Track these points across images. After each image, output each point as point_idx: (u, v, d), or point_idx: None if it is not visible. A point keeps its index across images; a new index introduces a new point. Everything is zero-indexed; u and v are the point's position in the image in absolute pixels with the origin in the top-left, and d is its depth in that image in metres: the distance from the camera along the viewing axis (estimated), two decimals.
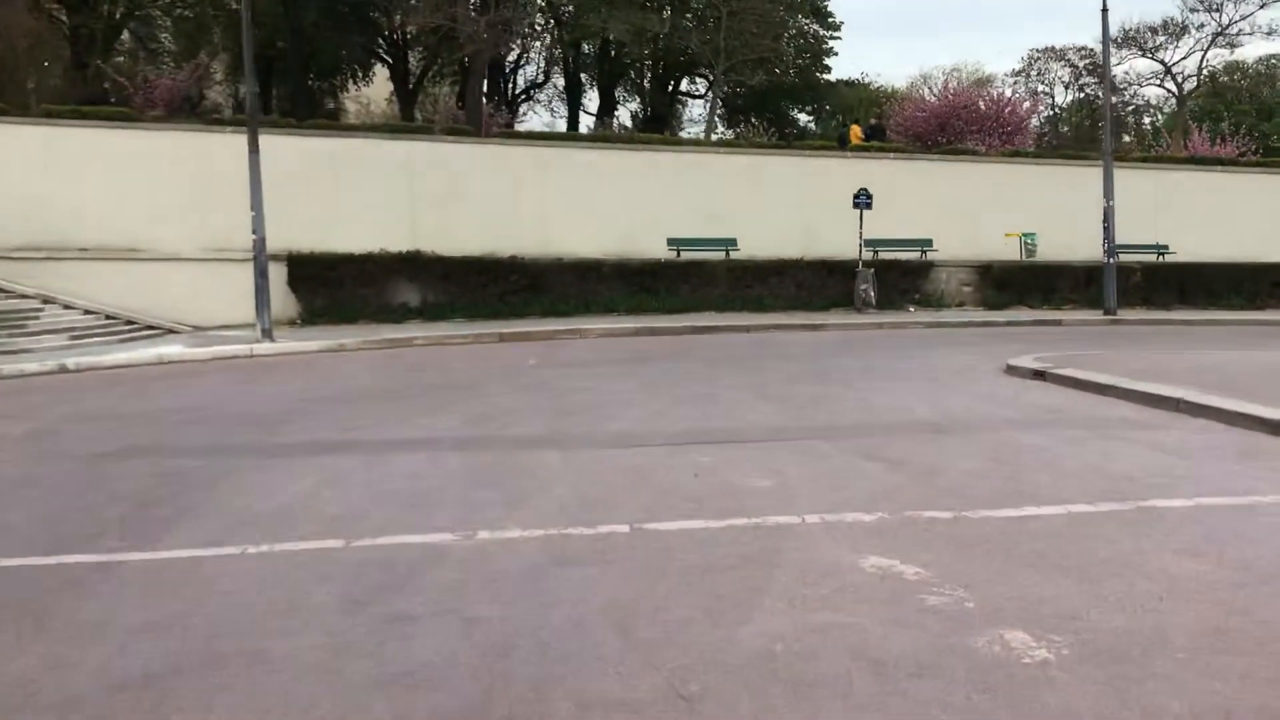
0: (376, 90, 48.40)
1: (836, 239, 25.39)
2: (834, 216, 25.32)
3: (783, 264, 24.56)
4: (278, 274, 21.47)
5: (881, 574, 4.77)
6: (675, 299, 23.92)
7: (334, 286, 22.48)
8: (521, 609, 4.37)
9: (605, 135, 32.54)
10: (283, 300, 21.82)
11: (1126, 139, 61.45)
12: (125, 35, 37.38)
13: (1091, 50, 56.72)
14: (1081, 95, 64.35)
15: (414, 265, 23.25)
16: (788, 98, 59.62)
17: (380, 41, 44.82)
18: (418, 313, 22.85)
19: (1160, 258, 27.89)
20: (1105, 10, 22.47)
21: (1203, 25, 47.63)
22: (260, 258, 18.10)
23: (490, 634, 4.08)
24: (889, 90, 54.82)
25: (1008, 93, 49.40)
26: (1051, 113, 65.73)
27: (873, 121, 34.22)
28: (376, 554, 5.24)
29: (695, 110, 66.45)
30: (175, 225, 22.39)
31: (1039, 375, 11.83)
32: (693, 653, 3.84)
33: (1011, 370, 12.44)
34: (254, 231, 18.03)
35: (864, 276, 23.43)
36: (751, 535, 5.46)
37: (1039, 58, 64.20)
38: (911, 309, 24.29)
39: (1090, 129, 63.12)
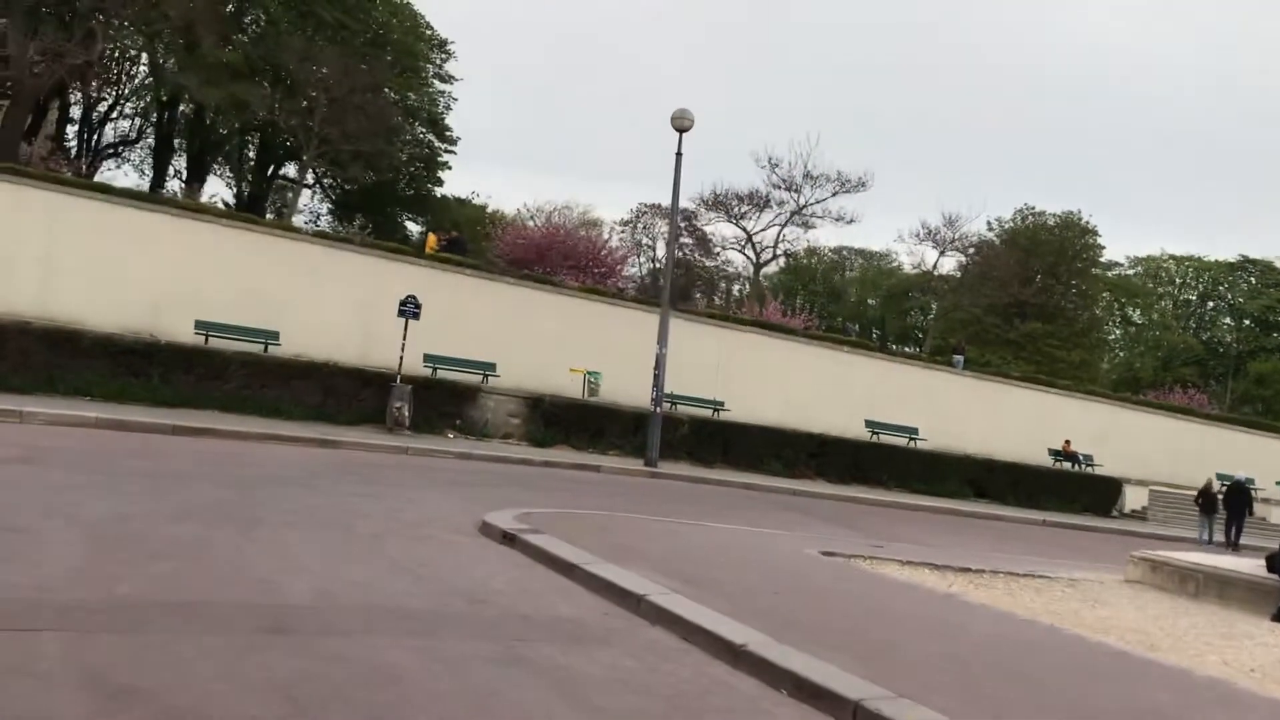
0: None
1: (398, 349, 22.75)
2: (399, 324, 22.62)
3: (310, 367, 21.32)
4: None
5: None
6: (172, 390, 19.85)
7: None
8: None
9: (134, 192, 28.18)
10: None
11: (718, 300, 64.83)
12: None
13: (692, 211, 59.35)
14: (680, 254, 67.37)
15: None
16: (398, 204, 57.51)
17: None
18: None
19: (715, 414, 27.69)
20: (679, 154, 21.96)
21: (783, 202, 51.09)
22: None
23: None
24: (497, 214, 53.98)
25: (609, 238, 50.14)
26: (652, 265, 68.23)
27: (454, 234, 32.29)
28: None
29: (304, 200, 62.85)
30: None
31: (509, 539, 9.49)
32: None
33: (486, 528, 10.03)
34: None
35: (400, 393, 20.67)
36: None
37: (645, 212, 66.56)
38: (451, 435, 21.82)
39: (686, 285, 66.08)
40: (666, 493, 17.89)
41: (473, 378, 24.89)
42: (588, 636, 6.38)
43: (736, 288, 68.30)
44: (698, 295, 64.44)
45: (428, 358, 24.82)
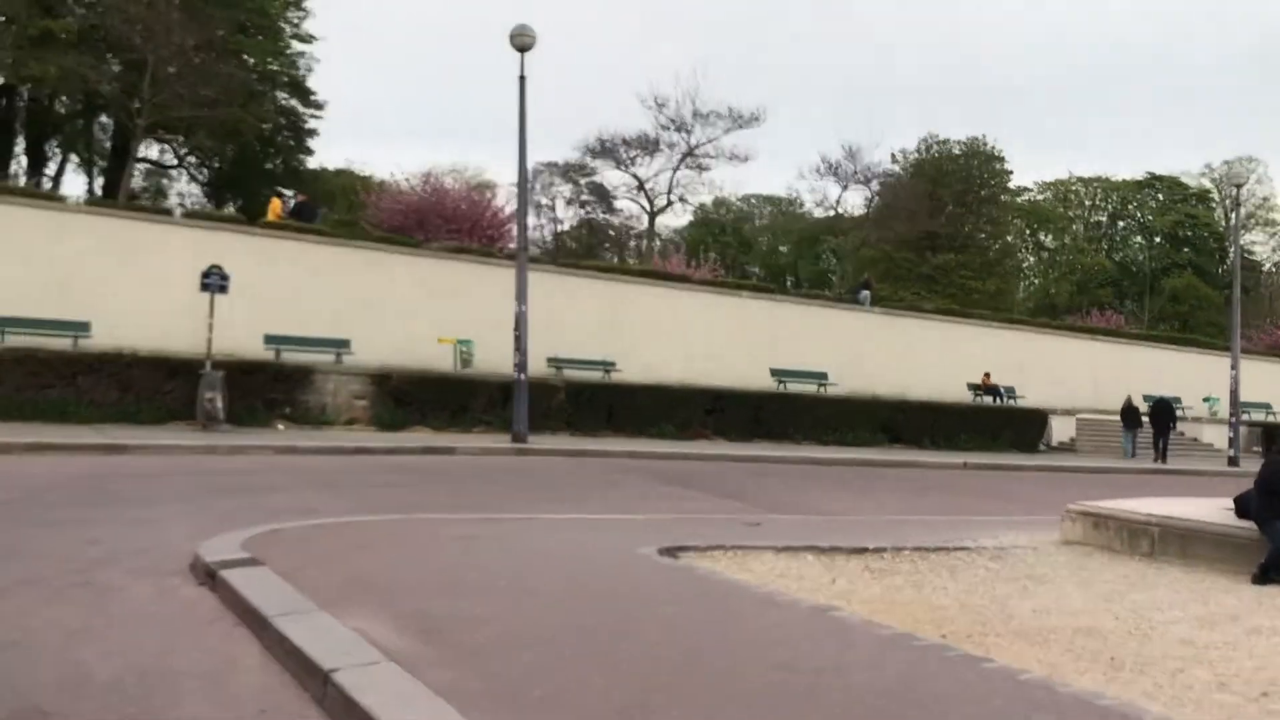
0: None
1: (241, 334, 19.68)
2: (232, 303, 19.52)
3: (101, 358, 18.11)
4: None
5: None
6: None
7: None
8: None
9: None
10: None
11: (631, 261, 61.92)
12: None
13: (593, 169, 56.51)
14: (583, 212, 64.44)
15: None
16: (269, 180, 53.63)
17: None
18: None
19: (607, 375, 25.06)
20: (523, 78, 18.99)
21: (674, 144, 48.38)
22: None
23: None
24: (370, 180, 50.30)
25: (495, 197, 46.74)
26: (553, 226, 64.98)
27: (302, 197, 28.94)
28: None
29: (179, 186, 58.79)
30: None
31: (213, 576, 6.68)
32: None
33: (196, 563, 7.19)
34: None
35: (211, 381, 17.56)
36: None
37: (542, 171, 63.08)
38: (281, 426, 18.80)
39: (592, 244, 63.13)
40: (524, 475, 15.14)
41: (323, 357, 21.95)
42: None
43: (645, 243, 65.68)
44: (609, 255, 61.64)
45: (269, 338, 21.88)
